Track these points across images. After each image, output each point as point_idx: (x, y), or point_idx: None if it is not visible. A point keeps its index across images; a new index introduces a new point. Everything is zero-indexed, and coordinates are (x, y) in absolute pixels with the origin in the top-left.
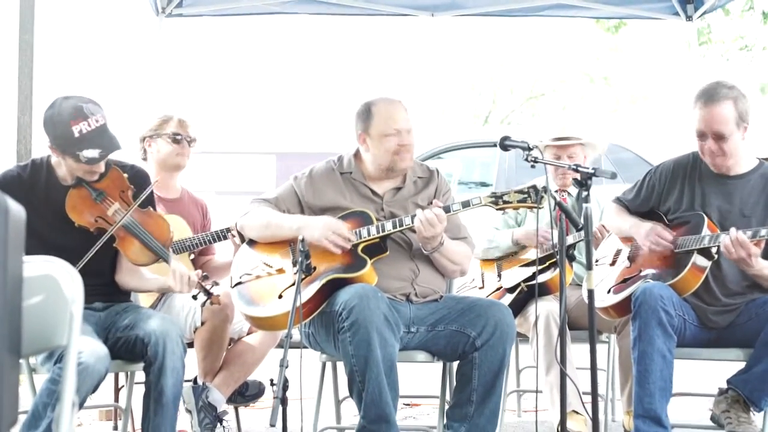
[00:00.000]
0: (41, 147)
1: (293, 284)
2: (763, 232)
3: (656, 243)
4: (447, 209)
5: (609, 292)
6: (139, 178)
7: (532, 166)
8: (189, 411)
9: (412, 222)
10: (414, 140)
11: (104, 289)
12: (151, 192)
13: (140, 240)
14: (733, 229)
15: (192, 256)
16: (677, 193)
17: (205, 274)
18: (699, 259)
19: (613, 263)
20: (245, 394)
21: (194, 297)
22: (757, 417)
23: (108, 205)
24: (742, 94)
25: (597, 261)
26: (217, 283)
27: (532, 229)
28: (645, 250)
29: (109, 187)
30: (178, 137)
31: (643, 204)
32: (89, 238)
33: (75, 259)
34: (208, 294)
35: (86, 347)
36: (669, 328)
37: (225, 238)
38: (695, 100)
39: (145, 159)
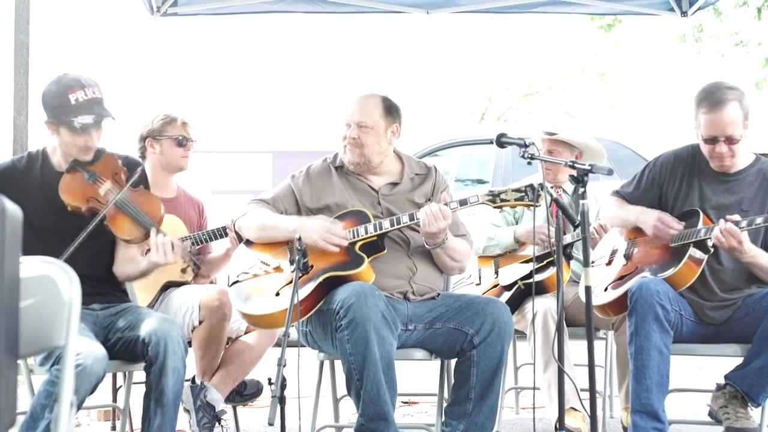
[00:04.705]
0: (38, 146)
1: (290, 282)
2: (758, 220)
3: (661, 227)
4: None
5: (606, 289)
6: (132, 163)
7: (529, 163)
8: (187, 410)
9: (410, 220)
10: (369, 139)
11: (100, 285)
12: (144, 173)
13: (130, 216)
14: (722, 220)
15: None
16: (677, 186)
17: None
18: (695, 253)
19: (609, 263)
20: (243, 393)
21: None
22: (755, 412)
23: (100, 185)
24: (743, 93)
25: (593, 263)
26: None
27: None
28: (650, 235)
29: (103, 170)
30: (184, 140)
31: (644, 196)
32: (82, 223)
33: (67, 243)
34: (197, 266)
35: (84, 348)
36: (665, 323)
37: (222, 236)
38: (698, 103)
39: (142, 157)
